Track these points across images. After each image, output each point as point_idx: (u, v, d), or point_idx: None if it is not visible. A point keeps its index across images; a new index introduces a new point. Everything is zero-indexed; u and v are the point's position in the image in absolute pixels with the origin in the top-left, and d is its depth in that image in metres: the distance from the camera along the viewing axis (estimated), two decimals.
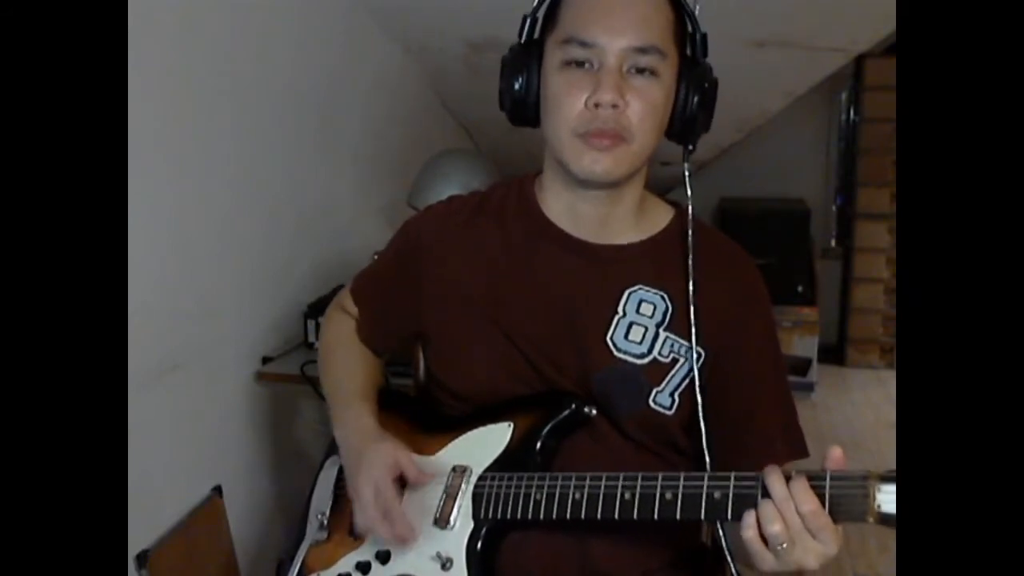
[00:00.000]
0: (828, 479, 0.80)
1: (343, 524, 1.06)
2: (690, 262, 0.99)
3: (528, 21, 0.99)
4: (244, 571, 1.76)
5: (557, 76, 0.95)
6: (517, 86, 0.99)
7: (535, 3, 0.99)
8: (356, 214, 2.37)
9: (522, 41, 1.00)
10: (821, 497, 0.80)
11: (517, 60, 1.00)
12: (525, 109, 1.00)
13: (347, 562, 1.03)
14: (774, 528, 0.80)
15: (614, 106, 0.92)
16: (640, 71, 0.93)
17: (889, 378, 3.92)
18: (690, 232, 1.00)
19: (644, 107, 0.93)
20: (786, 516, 0.80)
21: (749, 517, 0.82)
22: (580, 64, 0.94)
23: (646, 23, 0.93)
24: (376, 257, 1.23)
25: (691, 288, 0.99)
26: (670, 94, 0.96)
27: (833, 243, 4.32)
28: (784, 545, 0.80)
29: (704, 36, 0.97)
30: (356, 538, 1.04)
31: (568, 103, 0.94)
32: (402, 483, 0.99)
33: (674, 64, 0.96)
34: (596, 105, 0.92)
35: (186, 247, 1.60)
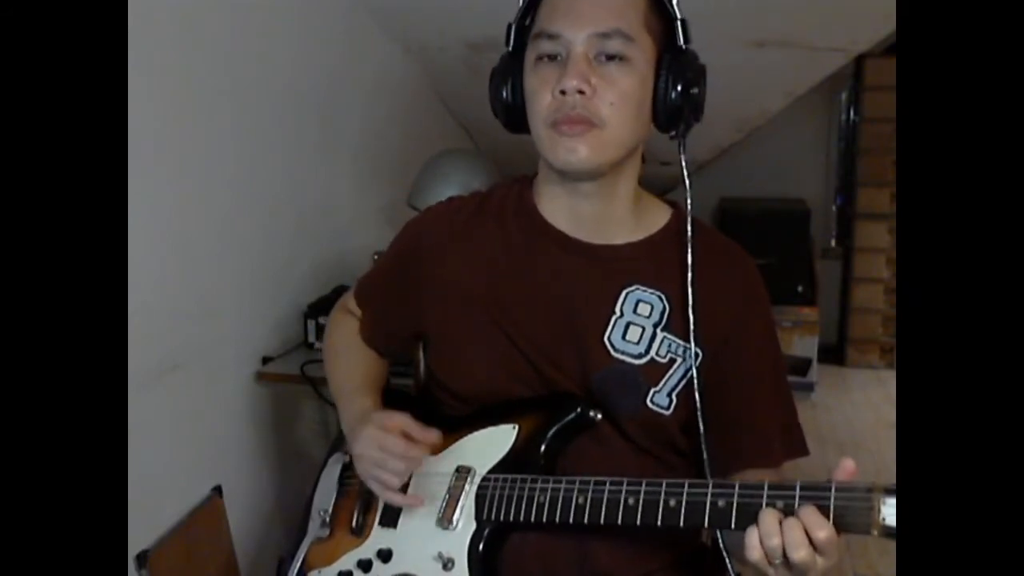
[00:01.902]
0: (832, 491, 0.80)
1: (345, 522, 1.06)
2: (689, 262, 0.99)
3: (513, 29, 1.00)
4: (244, 571, 1.76)
5: (532, 73, 0.97)
6: (505, 94, 1.00)
7: (519, 11, 1.00)
8: (356, 214, 2.37)
9: (509, 49, 1.00)
10: (825, 509, 0.80)
11: (503, 69, 1.01)
12: (516, 116, 1.00)
13: (349, 559, 1.03)
14: (772, 542, 0.80)
15: (580, 92, 0.92)
16: (610, 58, 0.93)
17: (889, 378, 3.92)
18: (689, 231, 0.99)
19: (614, 93, 0.93)
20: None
21: (752, 538, 0.81)
22: (552, 58, 0.95)
23: (609, 9, 0.93)
24: (377, 258, 1.23)
25: (690, 289, 0.98)
26: (646, 81, 0.95)
27: (833, 243, 4.32)
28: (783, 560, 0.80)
29: (684, 22, 0.96)
30: (358, 536, 1.04)
31: (539, 96, 0.95)
32: (403, 489, 0.99)
33: (649, 50, 0.95)
34: (563, 92, 0.92)
35: (186, 247, 1.60)
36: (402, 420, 0.98)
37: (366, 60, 2.32)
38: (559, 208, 1.04)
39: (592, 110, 0.93)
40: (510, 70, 1.00)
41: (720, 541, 0.94)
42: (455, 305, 1.06)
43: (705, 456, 0.96)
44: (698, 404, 0.97)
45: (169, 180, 1.54)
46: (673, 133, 0.99)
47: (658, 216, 1.06)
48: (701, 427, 0.96)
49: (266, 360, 1.88)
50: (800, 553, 0.79)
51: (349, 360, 1.17)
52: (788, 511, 0.81)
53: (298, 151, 2.03)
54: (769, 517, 0.81)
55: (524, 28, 1.00)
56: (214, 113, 1.67)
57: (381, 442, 0.96)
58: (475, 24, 2.25)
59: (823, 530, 0.79)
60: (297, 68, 1.98)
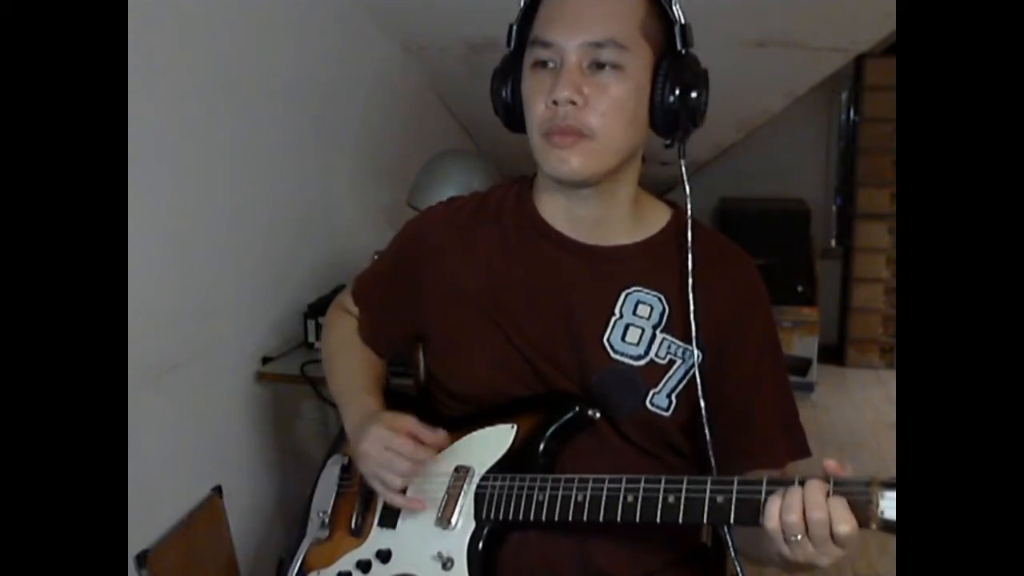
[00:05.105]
0: (831, 484, 0.80)
1: (344, 523, 1.06)
2: (690, 268, 0.98)
3: (513, 29, 1.00)
4: (244, 571, 1.76)
5: (527, 79, 0.97)
6: (504, 94, 1.00)
7: (520, 12, 0.99)
8: (356, 214, 2.37)
9: (510, 49, 1.00)
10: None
11: (504, 69, 1.01)
12: (516, 116, 1.00)
13: (348, 560, 1.03)
14: (790, 517, 0.80)
15: (572, 103, 0.91)
16: (601, 66, 0.92)
17: (889, 378, 3.91)
18: (689, 233, 0.99)
19: (606, 102, 0.92)
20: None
21: (772, 507, 0.81)
22: (545, 65, 0.94)
23: (604, 17, 0.92)
24: (376, 258, 1.23)
25: (691, 296, 0.97)
26: (642, 87, 0.94)
27: (833, 243, 4.32)
28: (798, 537, 0.80)
29: (684, 27, 0.95)
30: (357, 537, 1.04)
31: (534, 104, 0.95)
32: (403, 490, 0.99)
33: (645, 56, 0.94)
34: (555, 103, 0.92)
35: (186, 247, 1.60)
36: (410, 421, 0.98)
37: (366, 60, 2.32)
38: (558, 209, 1.04)
39: (582, 121, 0.92)
40: (510, 71, 1.00)
41: (732, 548, 0.93)
42: (454, 305, 1.06)
43: (713, 461, 0.96)
44: (703, 407, 0.96)
45: (169, 180, 1.54)
46: (670, 141, 0.98)
47: (658, 217, 1.06)
48: (707, 430, 0.96)
49: (266, 360, 1.88)
50: (818, 513, 0.79)
51: (350, 360, 1.17)
52: None
53: (298, 151, 2.03)
54: (792, 493, 0.81)
55: (524, 29, 0.99)
56: (214, 113, 1.67)
57: (388, 442, 0.96)
58: (475, 24, 2.24)
59: (845, 525, 0.78)
60: (297, 68, 1.98)
